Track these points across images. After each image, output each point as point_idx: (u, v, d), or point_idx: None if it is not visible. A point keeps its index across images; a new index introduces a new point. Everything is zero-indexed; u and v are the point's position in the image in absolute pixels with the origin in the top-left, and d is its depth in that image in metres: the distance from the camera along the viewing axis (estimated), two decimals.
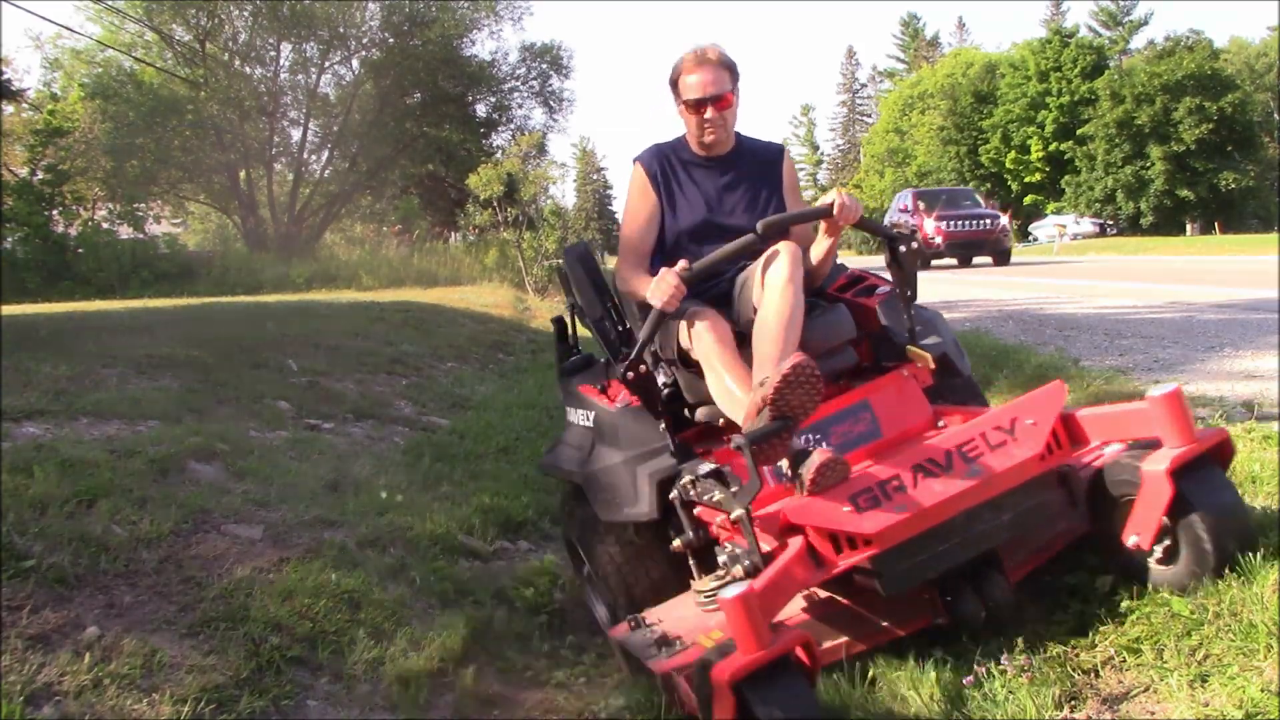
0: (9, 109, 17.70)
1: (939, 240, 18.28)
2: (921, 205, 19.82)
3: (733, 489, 2.06)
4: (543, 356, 8.57)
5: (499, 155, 21.21)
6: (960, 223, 18.39)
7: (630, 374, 2.39)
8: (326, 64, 22.61)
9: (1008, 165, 43.29)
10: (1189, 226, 34.41)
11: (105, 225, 17.11)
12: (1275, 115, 39.55)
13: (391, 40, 22.08)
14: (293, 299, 11.20)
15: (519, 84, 24.74)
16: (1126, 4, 46.97)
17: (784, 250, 2.32)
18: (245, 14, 21.41)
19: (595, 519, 2.53)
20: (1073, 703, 1.85)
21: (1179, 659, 1.81)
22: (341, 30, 21.77)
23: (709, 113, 2.61)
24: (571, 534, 2.83)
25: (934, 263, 18.79)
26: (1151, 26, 66.41)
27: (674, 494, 2.26)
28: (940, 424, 2.35)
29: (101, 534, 2.56)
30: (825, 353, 2.46)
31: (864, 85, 72.37)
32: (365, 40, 22.46)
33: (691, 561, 2.28)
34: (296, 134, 22.86)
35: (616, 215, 64.55)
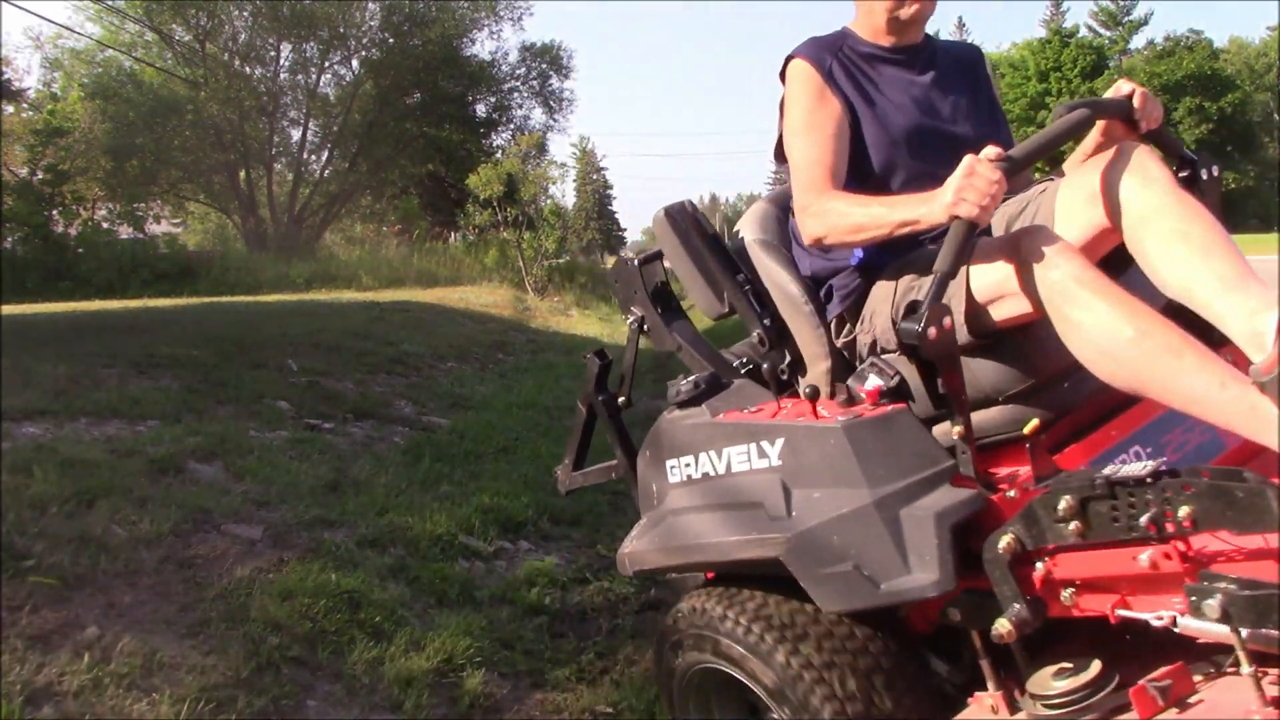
0: (9, 109, 17.71)
1: None
2: None
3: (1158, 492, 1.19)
4: (542, 356, 8.57)
5: (499, 155, 21.25)
6: None
7: (932, 331, 1.38)
8: (326, 64, 22.68)
9: None
10: None
11: (105, 225, 17.11)
12: (1275, 115, 39.59)
13: (391, 40, 22.11)
14: (293, 299, 11.20)
15: (519, 84, 24.85)
16: (1126, 4, 46.99)
17: (1134, 145, 1.55)
18: (245, 14, 21.45)
19: (790, 622, 1.58)
20: None
21: None
22: (341, 30, 21.82)
23: None
24: (720, 658, 1.67)
25: None
26: (1151, 26, 66.48)
27: (1004, 542, 1.33)
28: None
29: (101, 534, 2.56)
30: None
31: None
32: (365, 40, 22.51)
33: (985, 660, 1.43)
34: (296, 134, 22.95)
35: (617, 215, 64.50)
